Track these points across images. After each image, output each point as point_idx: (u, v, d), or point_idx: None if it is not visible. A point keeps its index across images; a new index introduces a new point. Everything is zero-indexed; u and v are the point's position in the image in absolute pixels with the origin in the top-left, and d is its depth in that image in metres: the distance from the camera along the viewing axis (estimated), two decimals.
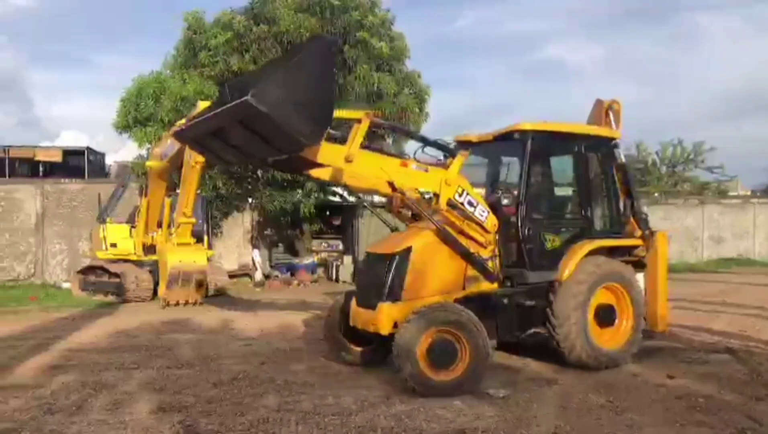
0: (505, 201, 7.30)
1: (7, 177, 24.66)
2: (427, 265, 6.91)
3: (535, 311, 7.24)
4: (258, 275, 19.25)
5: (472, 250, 7.00)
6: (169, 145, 13.33)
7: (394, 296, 6.77)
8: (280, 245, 22.12)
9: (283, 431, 5.26)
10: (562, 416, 5.63)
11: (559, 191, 8.24)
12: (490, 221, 7.09)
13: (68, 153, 27.29)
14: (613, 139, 7.99)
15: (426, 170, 6.90)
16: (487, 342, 6.44)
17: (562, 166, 8.04)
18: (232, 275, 18.08)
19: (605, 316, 7.40)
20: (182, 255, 13.66)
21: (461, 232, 7.00)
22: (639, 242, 7.95)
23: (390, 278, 6.87)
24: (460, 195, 6.89)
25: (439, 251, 6.98)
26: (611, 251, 7.70)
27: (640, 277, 7.92)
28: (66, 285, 18.03)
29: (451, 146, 7.61)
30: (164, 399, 6.24)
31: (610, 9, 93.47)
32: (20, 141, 29.82)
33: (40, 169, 26.48)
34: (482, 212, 7.03)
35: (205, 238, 16.39)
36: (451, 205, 6.91)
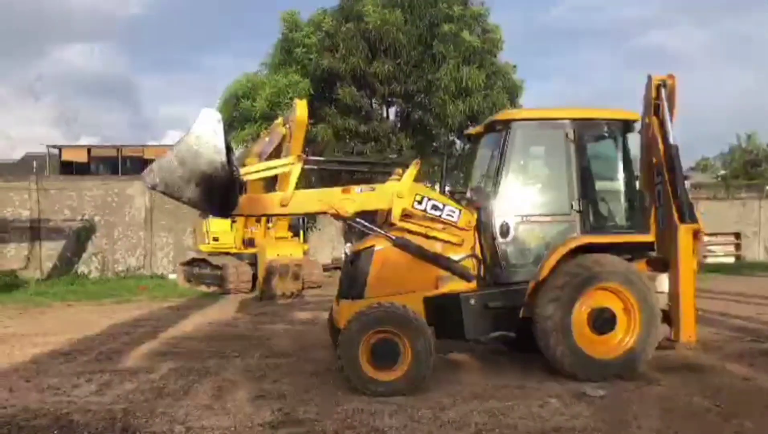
0: (474, 197, 7.03)
1: (120, 174, 26.33)
2: (392, 263, 6.76)
3: (504, 313, 6.75)
4: None
5: (442, 252, 6.77)
6: (267, 143, 13.83)
7: (356, 293, 6.77)
8: None
9: (377, 422, 5.34)
10: (664, 418, 5.39)
11: (549, 183, 7.23)
12: (464, 218, 6.82)
13: None
14: (627, 121, 7.14)
15: (373, 189, 6.79)
16: (431, 342, 6.24)
17: (556, 155, 7.14)
18: (326, 269, 18.50)
19: (602, 322, 6.62)
20: (280, 249, 14.17)
21: (428, 237, 6.78)
22: (646, 238, 7.00)
23: (353, 276, 6.91)
24: (420, 202, 6.72)
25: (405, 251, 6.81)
26: (627, 249, 6.92)
27: (664, 278, 6.98)
28: (172, 276, 19.10)
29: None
30: (264, 387, 6.50)
31: None
32: (131, 141, 31.75)
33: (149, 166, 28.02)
34: (451, 212, 6.79)
35: (301, 232, 16.86)
36: (410, 215, 6.72)
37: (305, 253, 16.15)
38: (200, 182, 6.08)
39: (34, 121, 76.08)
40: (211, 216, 17.56)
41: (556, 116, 7.11)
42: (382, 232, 6.77)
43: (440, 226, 6.82)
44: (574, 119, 6.96)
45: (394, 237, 6.71)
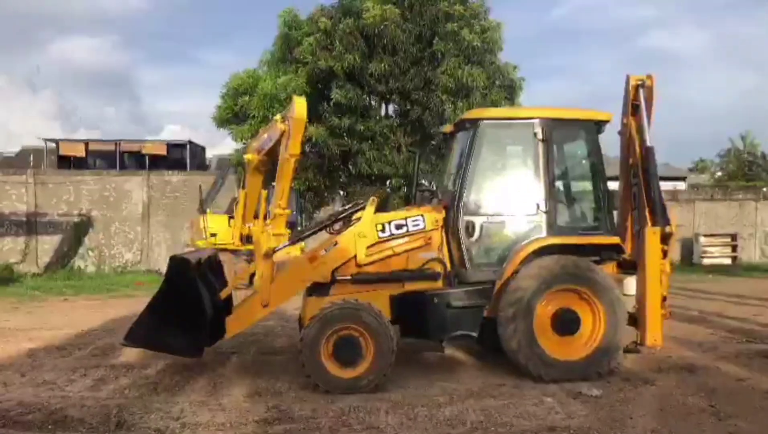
0: (441, 195, 7.08)
1: (118, 169, 26.27)
2: None
3: (467, 312, 6.74)
4: None
5: (407, 259, 6.82)
6: (265, 139, 13.79)
7: (322, 290, 6.80)
8: None
9: (372, 419, 5.35)
10: (659, 418, 5.40)
11: (515, 183, 7.11)
12: (430, 220, 6.87)
13: (171, 146, 28.74)
14: (598, 121, 7.06)
15: (336, 244, 6.84)
16: (392, 339, 6.25)
17: (524, 155, 7.13)
18: None
19: (565, 323, 6.60)
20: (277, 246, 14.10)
21: (395, 254, 6.83)
22: (611, 240, 6.92)
23: None
24: (384, 230, 6.79)
25: None
26: (595, 251, 6.89)
27: (632, 281, 6.91)
28: None
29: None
30: (259, 384, 6.50)
31: None
32: (129, 135, 31.67)
33: (146, 161, 27.95)
34: (415, 221, 6.86)
35: (299, 229, 16.81)
36: (378, 243, 6.79)
37: (303, 250, 16.10)
38: (184, 331, 6.41)
39: (32, 114, 75.95)
40: (208, 212, 17.57)
41: (524, 115, 7.11)
42: (342, 278, 6.77)
43: (405, 239, 6.84)
44: (543, 119, 6.91)
45: (350, 277, 6.76)
